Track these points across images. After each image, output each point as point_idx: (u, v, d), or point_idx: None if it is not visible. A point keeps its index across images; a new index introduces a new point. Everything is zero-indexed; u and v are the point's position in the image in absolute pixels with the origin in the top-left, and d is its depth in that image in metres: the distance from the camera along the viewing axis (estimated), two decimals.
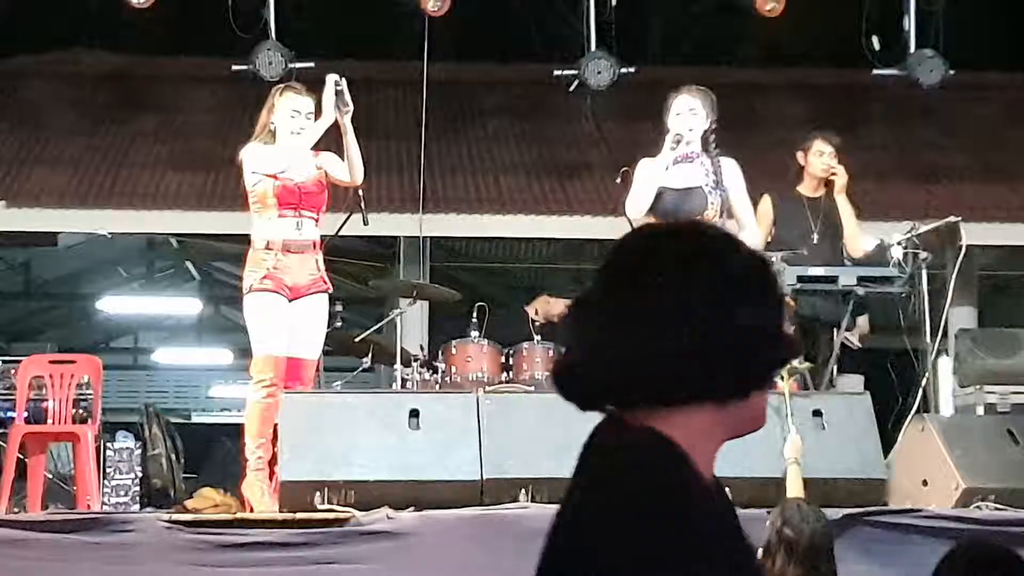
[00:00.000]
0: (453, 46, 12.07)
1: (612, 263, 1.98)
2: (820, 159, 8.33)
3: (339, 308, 7.47)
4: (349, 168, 7.29)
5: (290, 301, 7.02)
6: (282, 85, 7.40)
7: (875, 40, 11.11)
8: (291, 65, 10.32)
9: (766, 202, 8.32)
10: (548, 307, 10.11)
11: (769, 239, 8.26)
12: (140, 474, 9.55)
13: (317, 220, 7.22)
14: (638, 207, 7.23)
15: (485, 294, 9.87)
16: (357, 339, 9.23)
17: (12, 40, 13.06)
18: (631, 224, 8.23)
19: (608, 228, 10.72)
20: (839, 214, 8.38)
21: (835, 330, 8.13)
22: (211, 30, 11.18)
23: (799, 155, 8.39)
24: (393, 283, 9.93)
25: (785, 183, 8.49)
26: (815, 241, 8.24)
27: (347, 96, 7.15)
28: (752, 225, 7.39)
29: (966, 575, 2.21)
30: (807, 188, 8.40)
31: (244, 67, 10.47)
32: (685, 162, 7.26)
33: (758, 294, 1.90)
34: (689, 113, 7.25)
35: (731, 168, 7.41)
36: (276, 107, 7.20)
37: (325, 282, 7.22)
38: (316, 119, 7.17)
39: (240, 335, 20.78)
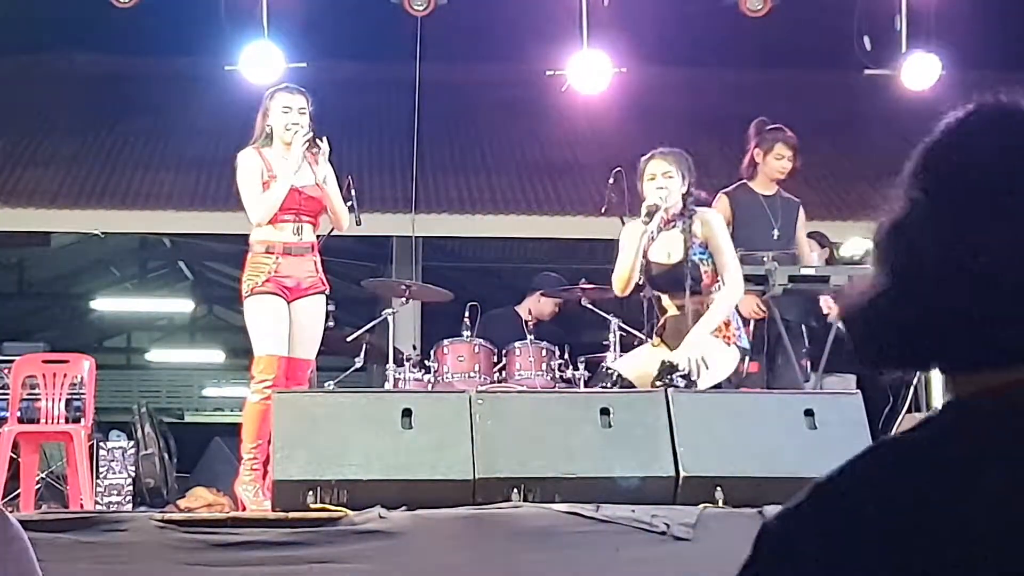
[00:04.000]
0: (445, 46, 12.07)
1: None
2: (779, 162, 8.36)
3: (331, 307, 7.50)
4: (334, 219, 7.36)
5: (289, 302, 7.11)
6: (273, 88, 7.44)
7: (867, 40, 11.12)
8: (284, 65, 10.32)
9: (723, 203, 8.27)
10: (540, 306, 10.13)
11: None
12: (133, 474, 9.57)
13: (315, 224, 7.28)
14: (625, 284, 7.18)
15: (477, 294, 9.88)
16: (349, 339, 9.25)
17: (5, 41, 13.05)
18: (623, 224, 8.26)
19: (600, 228, 10.75)
20: (793, 215, 8.41)
21: (802, 327, 8.18)
22: (203, 30, 11.17)
23: (757, 152, 8.38)
24: (385, 283, 9.94)
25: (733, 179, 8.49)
26: (775, 238, 8.27)
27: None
28: (733, 282, 7.16)
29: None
30: (761, 185, 8.40)
31: (236, 67, 10.47)
32: (667, 228, 7.16)
33: None
34: (664, 177, 7.10)
35: (710, 222, 7.23)
36: (270, 109, 7.26)
37: (323, 283, 7.29)
38: (308, 117, 7.21)
39: (233, 335, 20.87)
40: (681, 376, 6.80)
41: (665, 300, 7.26)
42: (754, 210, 8.28)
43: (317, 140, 7.16)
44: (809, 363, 8.15)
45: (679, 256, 7.13)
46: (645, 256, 7.16)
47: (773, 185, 8.40)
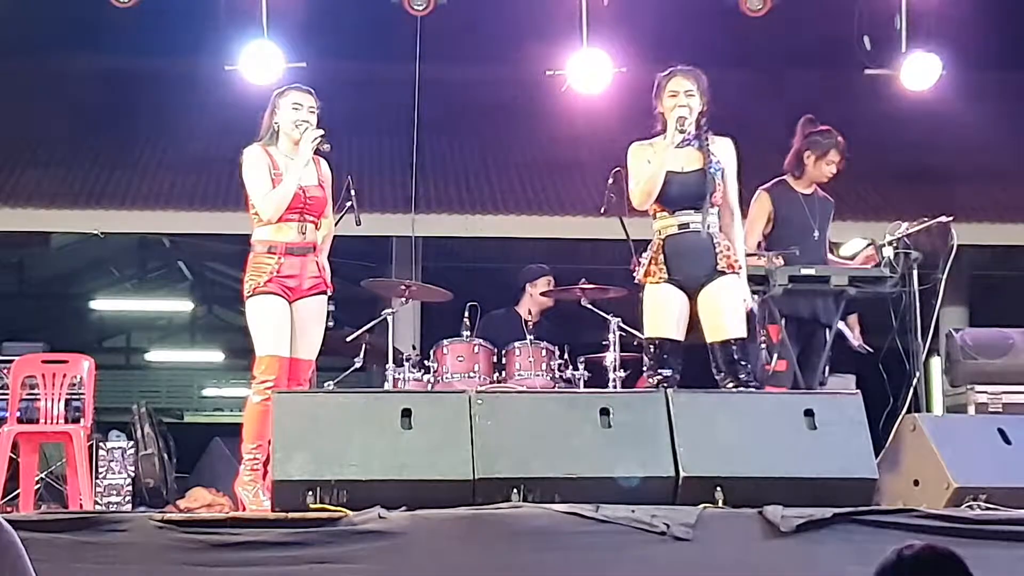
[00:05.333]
0: (446, 46, 12.06)
1: None
2: (829, 168, 8.35)
3: (331, 308, 7.50)
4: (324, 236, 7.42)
5: (291, 303, 7.11)
6: (283, 87, 7.44)
7: (867, 40, 11.11)
8: (284, 65, 10.31)
9: (764, 200, 8.30)
10: (539, 299, 10.08)
11: (764, 237, 8.27)
12: (132, 474, 9.56)
13: (317, 225, 7.28)
14: (647, 195, 7.07)
15: (477, 294, 9.87)
16: (349, 339, 9.24)
17: (4, 42, 13.04)
18: (622, 223, 8.25)
19: (600, 228, 10.75)
20: (829, 214, 8.41)
21: (828, 330, 8.16)
22: (203, 30, 11.17)
23: (807, 155, 8.35)
24: (385, 283, 9.94)
25: (770, 175, 8.48)
26: (816, 238, 8.27)
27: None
28: (739, 211, 7.29)
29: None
30: (802, 185, 8.39)
31: (236, 67, 10.46)
32: (683, 145, 7.13)
33: None
34: (685, 95, 7.12)
35: (727, 148, 7.26)
36: (279, 106, 7.25)
37: (326, 283, 7.29)
38: (316, 118, 7.21)
39: (233, 335, 20.84)
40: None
41: (663, 220, 7.14)
42: (795, 209, 8.28)
43: (325, 144, 7.16)
44: (827, 368, 8.16)
45: (695, 168, 7.11)
46: None
47: (812, 184, 8.39)
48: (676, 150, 7.09)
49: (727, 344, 7.00)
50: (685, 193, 7.07)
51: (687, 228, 7.07)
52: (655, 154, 7.10)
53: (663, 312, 7.06)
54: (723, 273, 7.02)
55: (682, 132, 7.05)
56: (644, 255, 7.19)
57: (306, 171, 7.18)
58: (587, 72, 10.70)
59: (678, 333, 7.03)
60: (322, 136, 7.13)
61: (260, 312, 7.09)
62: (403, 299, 9.13)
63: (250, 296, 7.13)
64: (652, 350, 7.07)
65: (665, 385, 6.93)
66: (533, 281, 10.06)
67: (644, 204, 7.16)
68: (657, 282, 7.08)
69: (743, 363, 7.04)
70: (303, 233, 7.18)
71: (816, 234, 8.27)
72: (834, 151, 8.33)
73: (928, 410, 8.35)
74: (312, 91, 7.33)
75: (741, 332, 7.04)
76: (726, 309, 7.02)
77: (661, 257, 7.09)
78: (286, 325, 7.08)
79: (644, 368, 7.18)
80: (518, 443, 6.32)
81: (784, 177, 8.40)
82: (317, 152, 7.17)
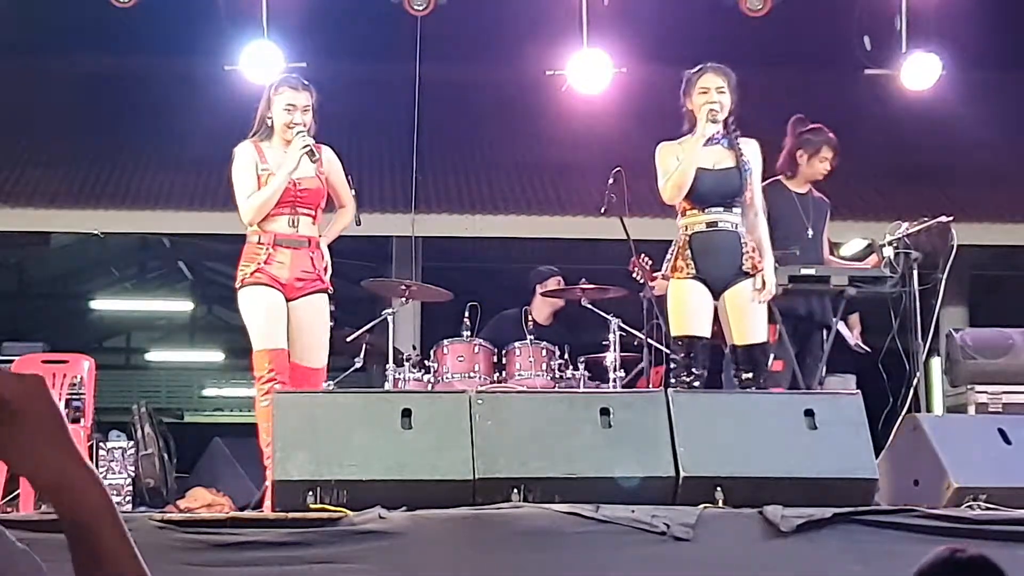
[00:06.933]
0: (446, 46, 12.06)
1: None
2: (823, 164, 8.35)
3: (331, 308, 7.48)
4: (336, 220, 7.38)
5: (288, 300, 7.04)
6: (278, 80, 7.40)
7: (867, 40, 11.11)
8: (284, 65, 10.31)
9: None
10: (538, 307, 10.09)
11: None
12: (133, 474, 9.55)
13: (314, 218, 7.22)
14: (678, 189, 7.08)
15: (477, 294, 9.87)
16: (349, 339, 9.23)
17: (5, 42, 13.04)
18: (622, 223, 8.24)
19: (600, 228, 10.74)
20: (824, 214, 8.42)
21: (826, 331, 8.16)
22: (203, 30, 11.16)
23: (800, 154, 8.36)
24: (385, 283, 9.93)
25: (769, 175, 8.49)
26: (809, 236, 8.27)
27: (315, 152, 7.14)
28: (763, 210, 7.36)
29: None
30: (796, 184, 8.40)
31: (236, 67, 10.46)
32: (711, 143, 7.16)
33: None
34: (716, 91, 7.15)
35: (754, 149, 7.32)
36: (272, 102, 7.21)
37: (323, 281, 7.22)
38: (312, 113, 7.18)
39: (233, 335, 20.81)
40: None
41: (691, 217, 7.17)
42: (788, 208, 8.29)
43: (315, 150, 7.11)
44: (824, 368, 8.17)
45: (726, 165, 7.15)
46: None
47: (807, 183, 8.40)
48: (707, 148, 7.11)
49: (752, 348, 7.06)
50: (718, 190, 7.12)
51: (715, 226, 7.10)
52: (684, 150, 7.11)
53: (691, 309, 7.08)
54: (748, 274, 7.06)
55: (714, 123, 7.05)
56: (668, 252, 7.23)
57: (301, 164, 7.11)
58: (587, 72, 10.70)
59: (706, 330, 7.05)
60: (309, 150, 7.06)
61: (250, 304, 7.04)
62: (403, 299, 9.12)
63: (240, 288, 7.09)
64: (682, 349, 7.05)
65: (697, 385, 6.96)
66: (543, 282, 10.05)
67: (674, 199, 7.19)
68: (684, 278, 7.09)
69: (764, 365, 7.16)
70: (294, 226, 7.12)
71: (810, 232, 8.28)
72: (826, 147, 8.35)
73: (928, 410, 8.36)
74: (308, 85, 7.27)
75: (764, 336, 7.12)
76: (753, 313, 7.07)
77: (688, 253, 7.10)
78: (280, 315, 7.01)
79: (672, 368, 7.14)
80: (518, 443, 6.33)
81: (778, 177, 8.40)
82: (311, 159, 7.13)
